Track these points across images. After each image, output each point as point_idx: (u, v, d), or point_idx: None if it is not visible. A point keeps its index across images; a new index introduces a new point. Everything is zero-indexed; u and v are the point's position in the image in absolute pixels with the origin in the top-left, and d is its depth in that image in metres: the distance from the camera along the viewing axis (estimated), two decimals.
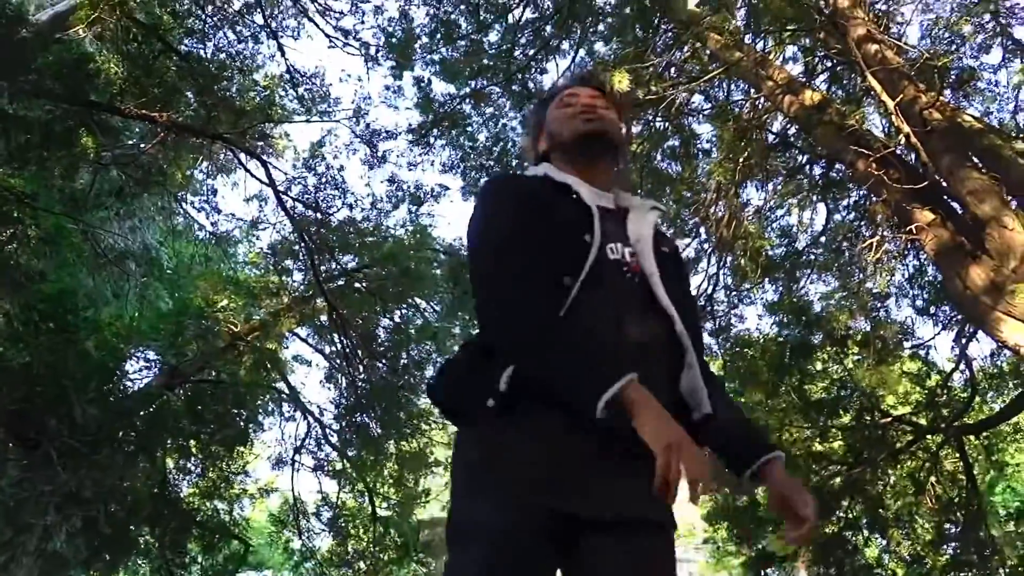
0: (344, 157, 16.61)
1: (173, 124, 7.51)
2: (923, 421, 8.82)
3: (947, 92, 6.84)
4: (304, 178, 10.55)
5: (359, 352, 10.67)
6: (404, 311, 11.75)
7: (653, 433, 1.23)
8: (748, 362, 8.92)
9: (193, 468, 10.17)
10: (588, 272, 1.45)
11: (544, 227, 1.49)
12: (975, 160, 5.97)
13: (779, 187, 9.21)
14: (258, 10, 9.86)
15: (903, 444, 8.71)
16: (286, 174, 10.85)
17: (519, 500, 1.34)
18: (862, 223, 8.85)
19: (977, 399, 9.04)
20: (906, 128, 5.87)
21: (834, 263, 9.30)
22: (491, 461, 1.40)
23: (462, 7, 10.17)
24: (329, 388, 11.81)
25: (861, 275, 8.89)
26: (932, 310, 8.92)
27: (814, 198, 9.28)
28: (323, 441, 11.55)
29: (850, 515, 8.90)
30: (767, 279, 9.37)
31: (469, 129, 10.47)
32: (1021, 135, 7.47)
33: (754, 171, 8.74)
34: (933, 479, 8.73)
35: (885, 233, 7.84)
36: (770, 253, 9.23)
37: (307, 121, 10.69)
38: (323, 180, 10.50)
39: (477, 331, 1.56)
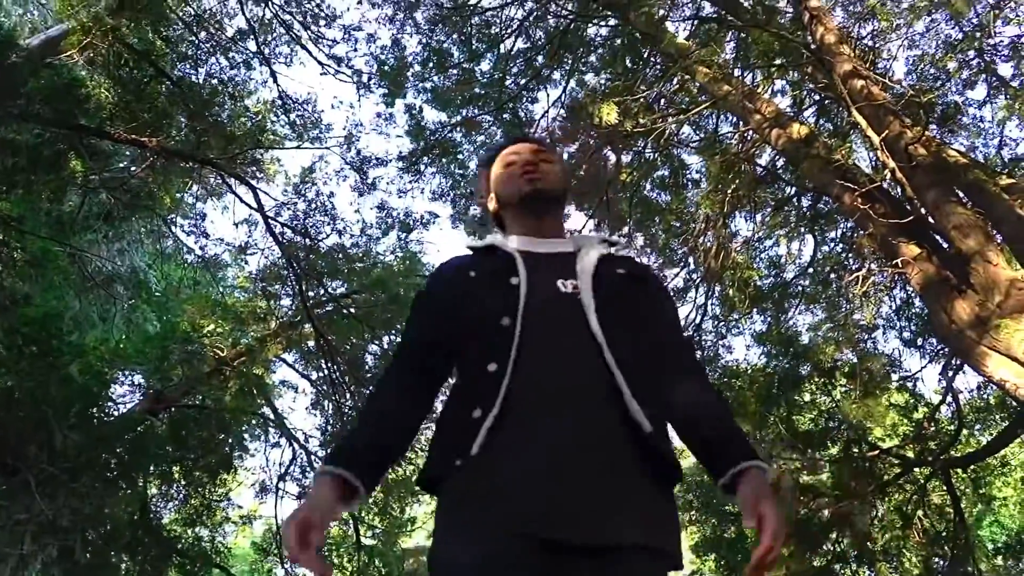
0: (334, 183, 16.67)
1: (163, 149, 7.50)
2: (910, 454, 8.81)
3: (932, 127, 6.91)
4: (294, 203, 10.56)
5: (346, 378, 10.58)
6: (392, 338, 11.69)
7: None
8: (736, 393, 8.90)
9: (175, 494, 10.03)
10: (525, 308, 1.54)
11: (451, 302, 1.66)
12: (960, 195, 6.03)
13: (767, 219, 9.27)
14: (251, 36, 9.94)
15: (891, 477, 8.69)
16: (275, 200, 10.86)
17: (495, 532, 1.34)
18: (849, 255, 8.90)
19: (964, 432, 9.04)
20: (892, 163, 5.93)
21: (822, 295, 9.34)
22: (466, 499, 1.42)
23: (454, 36, 10.27)
24: (315, 414, 11.72)
25: (848, 307, 8.93)
26: (919, 342, 8.95)
27: (802, 230, 9.34)
28: (308, 468, 11.41)
29: (838, 548, 8.84)
30: (755, 309, 9.40)
31: (460, 157, 10.54)
32: (1006, 170, 7.56)
33: (742, 202, 8.80)
34: (921, 512, 8.70)
35: (872, 266, 7.88)
36: (758, 284, 9.27)
37: (298, 147, 10.72)
38: (313, 206, 10.50)
39: None
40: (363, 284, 10.83)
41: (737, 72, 8.50)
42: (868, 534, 8.80)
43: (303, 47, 10.36)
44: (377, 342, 11.41)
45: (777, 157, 8.72)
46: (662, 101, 8.99)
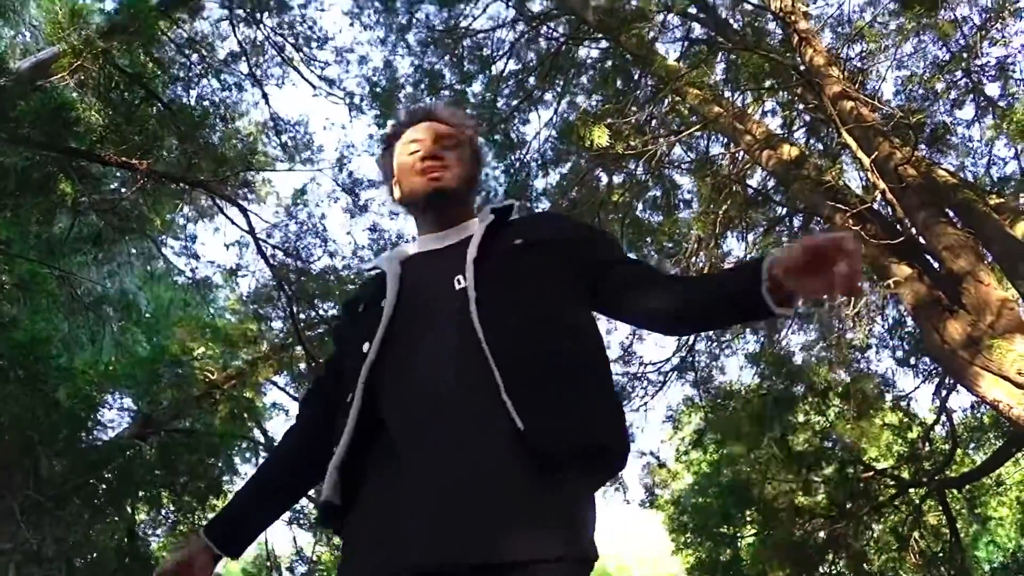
0: (326, 205, 16.71)
1: (153, 171, 7.47)
2: (905, 474, 8.77)
3: (922, 148, 6.95)
4: (285, 225, 10.53)
5: None
6: None
7: None
8: (730, 414, 8.87)
9: (164, 520, 9.89)
10: (390, 325, 1.49)
11: (343, 334, 1.69)
12: (950, 215, 6.05)
13: (759, 239, 9.28)
14: (243, 58, 9.95)
15: (886, 497, 8.65)
16: (267, 221, 10.82)
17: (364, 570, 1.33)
18: None
19: (959, 452, 9.01)
20: (882, 184, 5.95)
21: (815, 314, 9.34)
22: (345, 545, 1.45)
23: (446, 58, 10.31)
24: None
25: (841, 327, 8.92)
26: (912, 361, 8.94)
27: None
28: None
29: (833, 570, 8.77)
30: (748, 330, 9.38)
31: None
32: (995, 189, 7.60)
33: (734, 223, 8.82)
34: (916, 533, 8.65)
35: (864, 286, 7.88)
36: None
37: (290, 169, 10.71)
38: (304, 228, 10.48)
39: None
40: None
41: (727, 93, 8.55)
42: (864, 555, 8.74)
43: (295, 69, 10.37)
44: None
45: (768, 178, 8.75)
46: (653, 122, 9.03)
